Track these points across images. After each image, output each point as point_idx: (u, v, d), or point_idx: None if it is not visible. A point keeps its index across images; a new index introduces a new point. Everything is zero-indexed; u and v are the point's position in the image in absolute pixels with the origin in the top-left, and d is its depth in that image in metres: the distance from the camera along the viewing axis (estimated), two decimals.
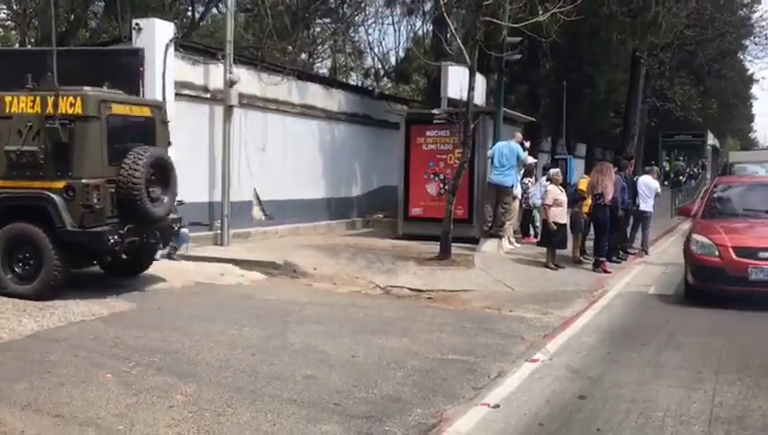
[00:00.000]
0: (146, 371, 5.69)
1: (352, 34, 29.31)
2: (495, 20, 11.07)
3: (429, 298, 9.60)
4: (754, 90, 48.04)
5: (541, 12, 11.08)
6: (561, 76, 23.82)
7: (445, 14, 10.87)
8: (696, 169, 36.02)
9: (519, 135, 13.21)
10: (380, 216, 17.18)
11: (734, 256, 8.57)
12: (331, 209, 16.03)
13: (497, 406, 5.18)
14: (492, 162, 12.87)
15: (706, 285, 8.85)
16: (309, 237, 14.50)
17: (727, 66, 38.29)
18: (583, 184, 12.19)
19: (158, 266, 9.99)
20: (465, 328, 7.61)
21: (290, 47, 23.90)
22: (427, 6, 18.50)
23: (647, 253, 13.67)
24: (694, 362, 6.30)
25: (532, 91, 22.90)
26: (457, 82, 13.55)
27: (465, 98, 13.22)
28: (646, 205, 13.68)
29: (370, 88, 18.30)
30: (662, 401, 5.16)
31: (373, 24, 29.88)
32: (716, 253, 8.73)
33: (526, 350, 6.79)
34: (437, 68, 15.35)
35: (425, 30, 19.91)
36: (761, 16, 31.32)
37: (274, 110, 14.29)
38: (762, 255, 8.52)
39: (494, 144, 13.04)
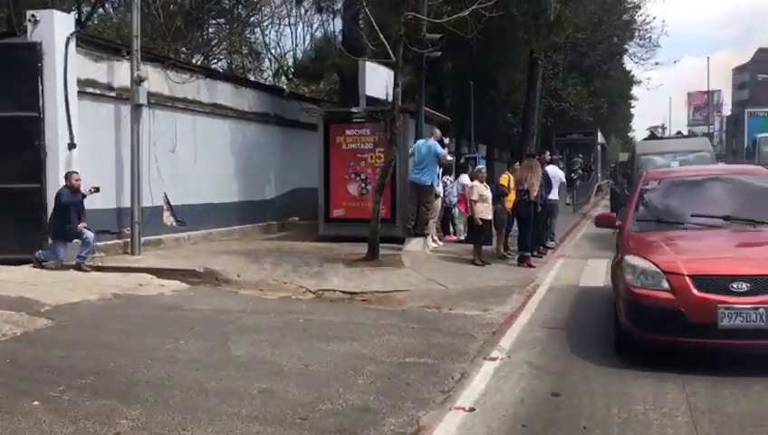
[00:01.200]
0: (80, 395, 5.06)
1: (249, 35, 28.74)
2: (419, 15, 10.90)
3: (364, 300, 9.30)
4: (635, 90, 50.73)
5: (464, 10, 10.95)
6: (465, 76, 24.12)
7: (366, 11, 10.58)
8: (590, 166, 37.54)
9: (438, 132, 13.12)
10: (296, 218, 16.71)
11: (694, 289, 5.55)
12: (244, 213, 15.40)
13: (473, 409, 4.94)
14: (413, 161, 12.72)
15: (652, 336, 5.78)
16: (224, 243, 13.86)
17: (613, 67, 40.32)
18: (505, 180, 12.24)
19: (69, 278, 9.17)
20: (413, 329, 7.35)
21: (184, 48, 23.01)
22: (338, 5, 18.17)
23: (553, 240, 13.95)
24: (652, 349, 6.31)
25: (437, 90, 23.03)
26: (375, 79, 13.35)
27: (382, 96, 13.07)
28: (552, 194, 13.89)
29: (280, 87, 17.70)
30: (637, 394, 5.09)
31: (270, 25, 29.56)
32: (666, 285, 5.71)
33: (481, 348, 6.61)
34: (352, 66, 15.08)
35: (334, 28, 19.61)
36: (644, 20, 32.62)
37: (183, 109, 13.57)
38: (736, 286, 5.50)
39: (415, 142, 12.89)
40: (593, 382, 5.43)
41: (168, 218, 13.16)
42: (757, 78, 61.15)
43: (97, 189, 10.63)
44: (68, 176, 10.27)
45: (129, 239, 11.74)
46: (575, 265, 12.07)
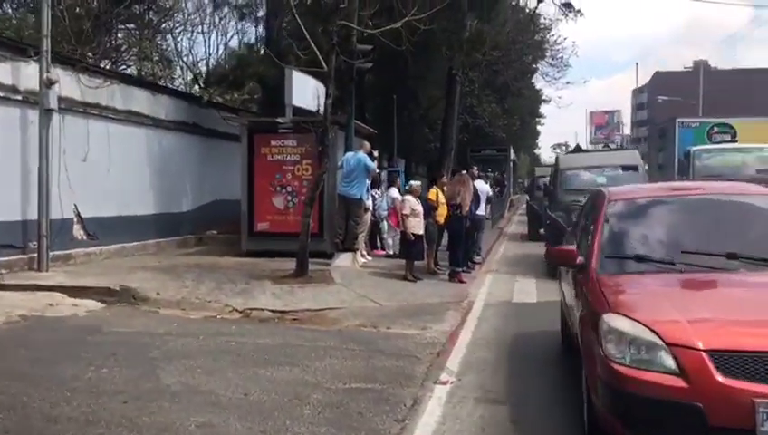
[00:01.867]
0: None
1: (160, 42, 27.72)
2: (351, 24, 10.62)
3: (295, 319, 8.86)
4: (544, 108, 52.26)
5: (395, 22, 10.75)
6: (386, 90, 24.03)
7: (297, 18, 10.21)
8: (504, 181, 38.29)
9: (367, 145, 12.85)
10: (214, 232, 16.02)
11: (716, 372, 3.67)
12: (160, 226, 14.60)
13: None
14: (342, 174, 12.40)
15: None
16: (139, 258, 13.06)
17: (525, 86, 41.37)
18: (433, 194, 12.10)
19: None
20: (353, 351, 6.99)
21: (90, 53, 21.88)
22: (261, 12, 17.64)
23: (479, 255, 13.94)
24: None
25: (359, 103, 22.81)
26: (302, 89, 12.94)
27: (309, 106, 12.69)
28: (480, 209, 13.89)
29: (198, 95, 17.00)
30: None
31: (182, 32, 28.62)
32: (671, 364, 3.79)
33: (428, 371, 6.33)
34: (275, 75, 14.61)
35: (257, 36, 19.02)
36: (555, 41, 33.57)
37: (96, 115, 12.72)
38: None
39: (344, 154, 12.57)
40: (552, 409, 5.23)
41: (78, 232, 12.26)
42: (657, 99, 64.33)
43: None
44: None
45: (35, 254, 10.81)
46: (505, 280, 12.06)
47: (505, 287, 11.26)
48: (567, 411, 5.16)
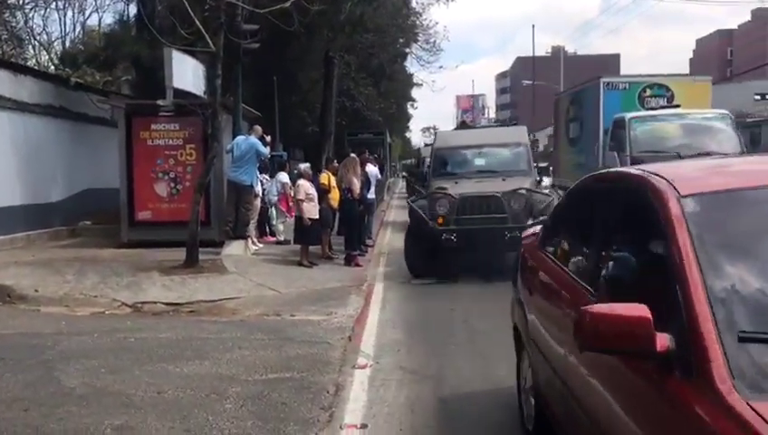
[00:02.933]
0: None
1: (9, 18, 25.63)
2: (237, 2, 10.23)
3: (191, 311, 8.53)
4: (415, 92, 53.04)
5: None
6: (265, 72, 23.51)
7: None
8: (382, 164, 38.62)
9: (259, 129, 12.48)
10: (88, 223, 15.04)
11: None
12: (28, 218, 13.51)
13: (365, 425, 4.62)
14: (231, 159, 12.00)
15: None
16: (7, 253, 12.02)
17: (398, 70, 41.87)
18: (325, 178, 11.97)
19: None
20: (262, 341, 6.81)
21: None
22: None
23: (370, 238, 14.03)
24: (508, 346, 6.41)
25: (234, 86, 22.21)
26: (182, 70, 12.37)
27: (190, 88, 12.19)
28: (370, 193, 13.94)
29: (65, 77, 15.82)
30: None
31: (34, 9, 26.60)
32: None
33: (344, 356, 6.28)
34: (150, 56, 13.91)
35: (128, 13, 17.92)
36: (427, 24, 34.09)
37: None
38: None
39: (233, 139, 12.17)
40: (473, 383, 5.35)
41: None
42: (521, 83, 67.21)
43: None
44: None
45: None
46: (399, 262, 12.14)
47: (401, 268, 11.35)
48: (488, 383, 5.30)
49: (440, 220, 10.26)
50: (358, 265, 11.32)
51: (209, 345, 6.61)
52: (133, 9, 17.56)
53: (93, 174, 15.63)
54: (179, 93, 12.13)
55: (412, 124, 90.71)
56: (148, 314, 8.39)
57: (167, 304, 8.79)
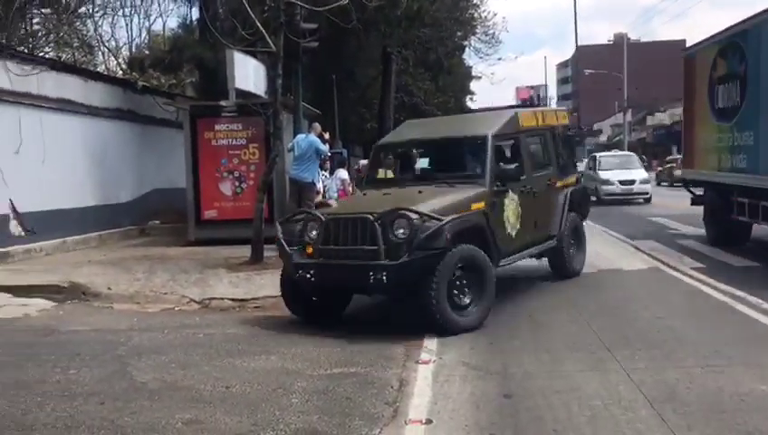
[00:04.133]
0: None
1: (80, 27, 26.58)
2: (296, 2, 10.35)
3: (257, 307, 8.68)
4: (474, 85, 52.64)
5: None
6: (324, 70, 23.73)
7: None
8: None
9: (318, 126, 12.58)
10: (157, 222, 15.51)
11: None
12: (101, 218, 14.03)
13: (430, 421, 4.60)
14: (292, 157, 12.15)
15: None
16: (82, 252, 12.52)
17: (456, 63, 41.59)
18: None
19: None
20: (326, 336, 6.88)
21: (4, 40, 20.86)
22: None
23: None
24: (577, 340, 6.31)
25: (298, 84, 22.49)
26: (244, 71, 12.60)
27: (252, 88, 12.40)
28: None
29: (133, 81, 16.35)
30: (587, 388, 4.99)
31: (103, 17, 27.50)
32: None
33: (406, 351, 6.28)
34: (213, 58, 14.20)
35: (191, 17, 18.34)
36: (485, 16, 33.69)
37: (28, 105, 12.06)
38: None
39: (293, 137, 12.33)
40: (538, 379, 5.27)
41: (15, 228, 11.65)
42: (584, 72, 65.82)
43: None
44: None
45: None
46: None
47: None
48: (553, 378, 5.22)
49: (310, 250, 7.18)
50: None
51: (274, 341, 6.73)
52: (196, 12, 18.00)
53: (160, 175, 16.10)
54: (241, 94, 12.37)
55: None
56: (216, 310, 8.59)
57: (233, 299, 8.97)
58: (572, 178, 9.67)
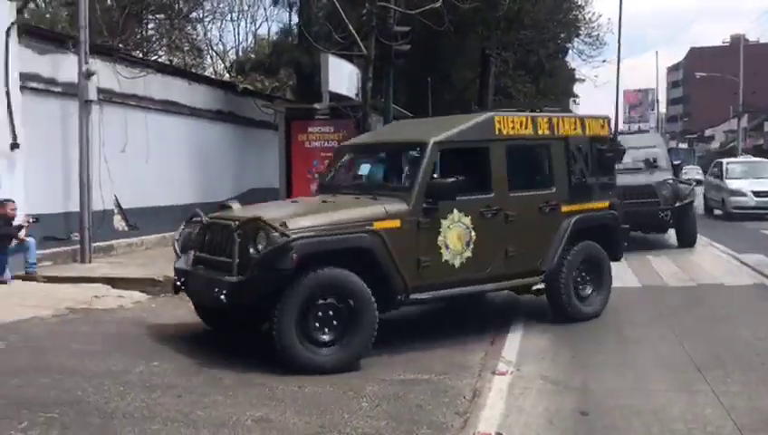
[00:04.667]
0: (47, 432, 4.36)
1: (190, 31, 27.76)
2: (389, 5, 10.38)
3: None
4: (578, 88, 51.14)
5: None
6: (418, 72, 23.69)
7: (336, 3, 9.99)
8: None
9: None
10: None
11: None
12: None
13: (500, 434, 4.45)
14: None
15: None
16: None
17: (558, 65, 40.59)
18: None
19: (14, 291, 8.33)
20: (405, 341, 6.83)
21: (121, 45, 21.97)
22: None
23: None
24: (665, 358, 5.98)
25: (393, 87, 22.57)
26: (338, 74, 12.76)
27: (345, 91, 12.53)
28: None
29: (234, 83, 16.93)
30: (671, 410, 4.71)
31: (212, 21, 28.64)
32: None
33: (484, 360, 6.15)
34: (310, 61, 14.45)
35: (290, 21, 18.83)
36: (590, 18, 32.69)
37: (134, 106, 12.71)
38: None
39: None
40: (620, 398, 5.01)
41: (119, 223, 12.30)
42: (695, 76, 62.78)
43: (36, 220, 9.61)
44: (2, 204, 9.27)
45: (78, 246, 10.84)
46: None
47: None
48: (636, 397, 4.95)
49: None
50: None
51: None
52: (295, 17, 18.43)
53: (257, 174, 16.56)
54: (335, 97, 12.54)
55: None
56: None
57: None
58: (597, 204, 7.74)
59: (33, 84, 10.38)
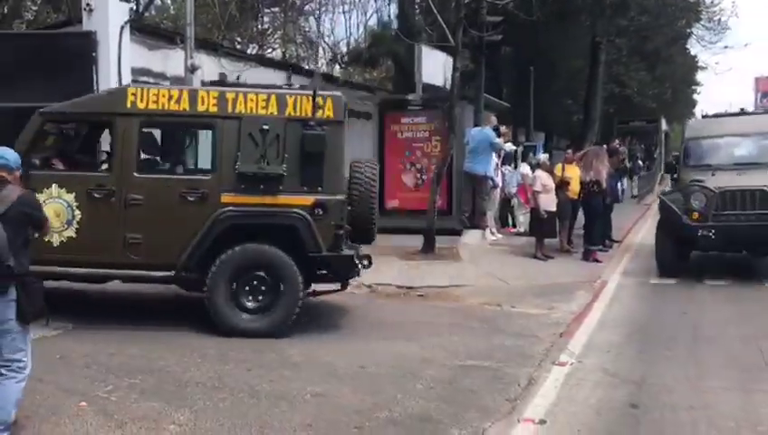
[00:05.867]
0: (127, 395, 4.85)
1: (303, 24, 28.62)
2: None
3: (420, 295, 8.94)
4: (700, 76, 48.51)
5: None
6: (523, 62, 23.40)
7: None
8: (652, 154, 36.05)
9: (493, 118, 12.49)
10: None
11: None
12: None
13: (543, 422, 4.53)
14: (467, 149, 12.24)
15: None
16: None
17: (677, 52, 38.66)
18: (558, 169, 11.67)
19: None
20: (473, 328, 6.97)
21: (239, 38, 22.98)
22: None
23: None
24: (734, 358, 5.79)
25: (494, 77, 22.39)
26: (431, 65, 12.91)
27: (439, 82, 12.64)
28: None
29: (334, 75, 17.43)
30: (724, 407, 4.60)
31: (324, 13, 29.37)
32: None
33: (547, 351, 6.18)
34: (407, 53, 14.68)
35: (390, 13, 19.14)
36: (711, 1, 30.95)
37: None
38: None
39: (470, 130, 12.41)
40: (674, 393, 4.94)
41: None
42: None
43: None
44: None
45: None
46: (643, 260, 11.40)
47: (643, 267, 10.63)
48: (692, 393, 4.86)
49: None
50: (597, 260, 10.88)
51: (422, 328, 6.94)
52: (394, 8, 18.70)
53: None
54: (429, 88, 12.69)
55: (698, 111, 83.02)
56: (382, 295, 8.97)
57: (399, 286, 9.29)
58: (284, 199, 6.46)
59: (144, 78, 11.16)
